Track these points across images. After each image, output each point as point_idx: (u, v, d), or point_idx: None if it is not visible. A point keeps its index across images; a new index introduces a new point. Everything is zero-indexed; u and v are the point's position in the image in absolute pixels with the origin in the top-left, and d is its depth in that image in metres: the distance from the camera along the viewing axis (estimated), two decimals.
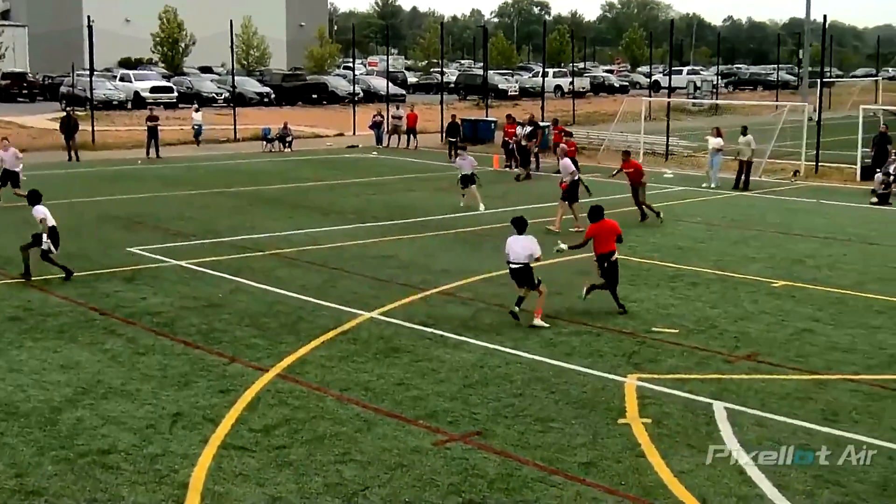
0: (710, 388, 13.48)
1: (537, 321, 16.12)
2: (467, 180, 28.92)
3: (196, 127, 48.74)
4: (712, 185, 34.77)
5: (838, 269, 21.57)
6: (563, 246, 17.80)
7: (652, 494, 10.10)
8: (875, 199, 31.92)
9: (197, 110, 50.51)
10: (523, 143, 38.26)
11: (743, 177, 34.80)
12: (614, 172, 29.48)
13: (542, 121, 45.50)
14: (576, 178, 25.75)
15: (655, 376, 13.93)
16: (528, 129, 38.79)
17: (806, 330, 16.57)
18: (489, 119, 53.02)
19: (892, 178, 32.50)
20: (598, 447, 11.28)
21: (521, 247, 16.03)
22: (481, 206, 28.57)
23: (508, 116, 41.35)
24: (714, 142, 35.17)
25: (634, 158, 27.48)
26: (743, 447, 11.34)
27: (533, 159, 39.49)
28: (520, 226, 16.28)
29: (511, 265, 16.23)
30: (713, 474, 10.59)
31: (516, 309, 16.38)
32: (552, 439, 11.48)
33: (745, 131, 35.14)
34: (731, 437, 11.65)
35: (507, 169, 39.38)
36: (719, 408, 12.61)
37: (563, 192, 25.60)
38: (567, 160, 26.22)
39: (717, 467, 10.78)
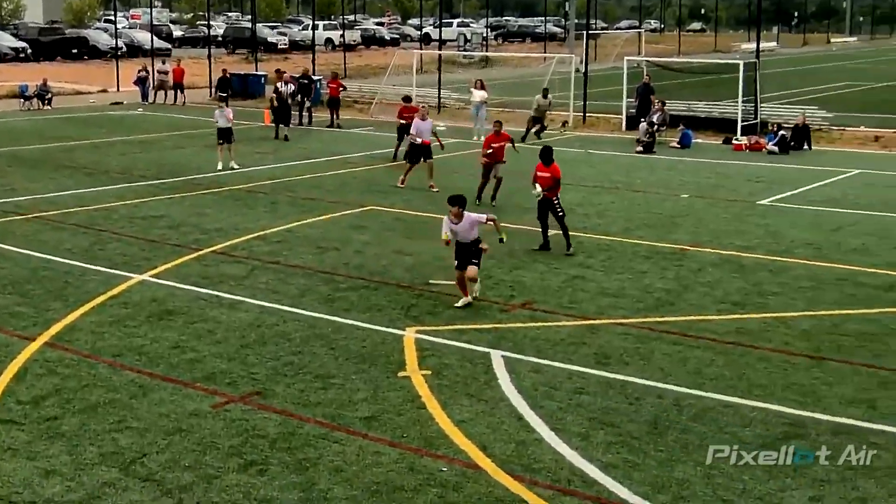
0: (487, 337, 13.80)
1: None
2: (225, 134, 28.25)
3: None
4: (479, 138, 35.36)
5: (606, 216, 22.55)
6: (539, 189, 18.62)
7: (433, 445, 10.28)
8: (640, 149, 33.47)
9: None
10: (288, 100, 37.19)
11: (534, 129, 35.08)
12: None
13: (315, 74, 45.18)
14: (416, 140, 24.88)
15: (434, 328, 14.14)
16: (292, 86, 37.88)
17: (577, 277, 17.21)
18: (259, 73, 52.30)
19: (655, 127, 34.02)
20: (378, 401, 11.38)
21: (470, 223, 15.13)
22: (219, 165, 28.41)
23: (277, 71, 40.54)
24: (477, 94, 35.81)
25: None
26: (521, 394, 11.67)
27: (306, 114, 39.19)
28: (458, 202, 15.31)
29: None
30: (492, 422, 10.86)
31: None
32: (333, 395, 11.52)
33: (545, 94, 35.91)
34: (509, 385, 11.97)
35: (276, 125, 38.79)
36: (497, 356, 12.91)
37: (416, 152, 24.99)
38: (420, 121, 25.09)
39: (495, 415, 11.07)
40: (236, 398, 11.41)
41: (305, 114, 39.39)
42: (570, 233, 18.91)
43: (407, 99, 30.51)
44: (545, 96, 35.65)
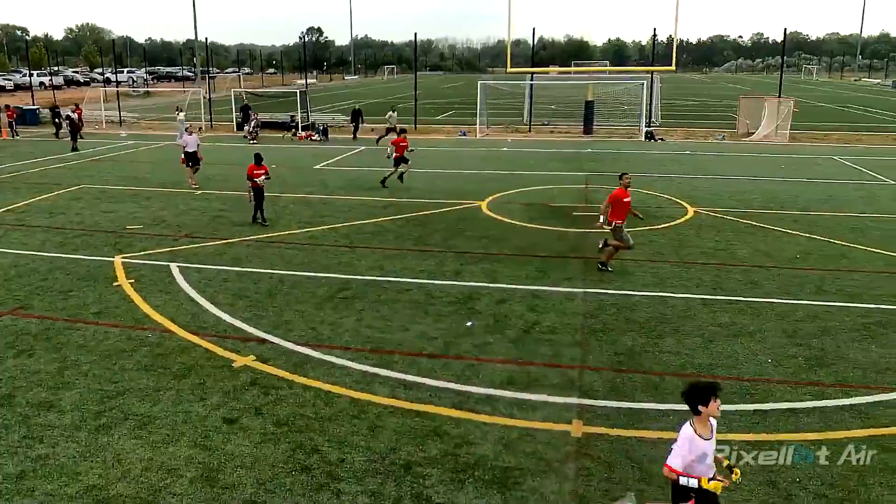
0: (166, 257, 13.79)
1: None
2: None
3: None
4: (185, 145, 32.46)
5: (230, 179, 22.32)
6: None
7: (142, 322, 10.37)
8: (253, 141, 32.72)
9: None
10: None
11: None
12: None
13: (34, 105, 39.58)
14: (188, 149, 20.49)
15: (133, 255, 13.92)
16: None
17: (217, 217, 17.23)
18: None
19: (253, 127, 33.47)
20: (103, 302, 11.26)
21: None
22: None
23: (6, 106, 34.81)
24: (181, 115, 33.59)
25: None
26: (191, 286, 11.86)
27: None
28: None
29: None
30: (176, 304, 11.10)
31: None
32: (73, 302, 11.27)
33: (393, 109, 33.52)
34: (183, 282, 12.14)
35: None
36: (174, 267, 13.05)
37: (188, 157, 20.64)
38: (188, 136, 20.72)
39: (177, 300, 11.29)
40: (5, 312, 10.85)
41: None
42: (209, 190, 18.69)
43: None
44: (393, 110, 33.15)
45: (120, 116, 42.75)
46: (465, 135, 35.37)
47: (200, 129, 26.43)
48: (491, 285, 11.93)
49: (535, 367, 8.85)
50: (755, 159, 26.85)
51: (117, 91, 48.43)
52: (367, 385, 8.39)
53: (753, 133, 33.82)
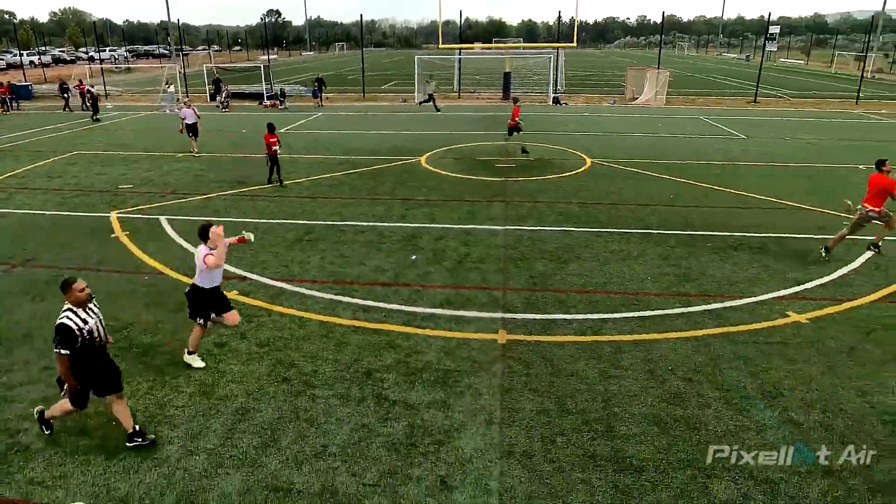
0: (156, 211, 13.29)
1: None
2: None
3: None
4: (167, 112, 30.22)
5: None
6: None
7: (139, 267, 9.96)
8: (225, 110, 31.37)
9: None
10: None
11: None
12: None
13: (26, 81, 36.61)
14: (187, 121, 18.96)
15: (126, 210, 13.30)
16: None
17: (198, 176, 16.52)
18: None
19: (224, 97, 31.92)
20: (103, 252, 10.68)
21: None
22: None
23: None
24: (171, 88, 31.33)
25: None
26: (179, 235, 11.45)
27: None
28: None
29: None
30: (167, 250, 10.71)
31: None
32: (75, 254, 10.75)
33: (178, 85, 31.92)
34: (172, 232, 11.72)
35: None
36: (163, 220, 12.60)
37: (189, 129, 18.96)
38: (186, 109, 19.00)
39: (168, 247, 10.90)
40: (17, 264, 10.32)
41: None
42: (178, 154, 17.80)
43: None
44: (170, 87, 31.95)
45: (105, 90, 40.13)
46: (405, 101, 34.67)
47: (183, 100, 24.81)
48: (430, 226, 11.96)
49: (467, 290, 9.02)
50: (639, 119, 27.29)
51: (101, 68, 45.46)
52: (332, 310, 8.41)
53: (638, 98, 34.19)
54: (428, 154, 18.93)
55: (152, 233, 11.76)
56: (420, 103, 31.61)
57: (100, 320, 5.63)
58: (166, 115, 28.61)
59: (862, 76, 38.96)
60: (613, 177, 15.97)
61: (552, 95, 34.12)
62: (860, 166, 17.13)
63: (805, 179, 15.73)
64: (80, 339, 5.36)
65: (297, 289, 9.08)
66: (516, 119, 18.17)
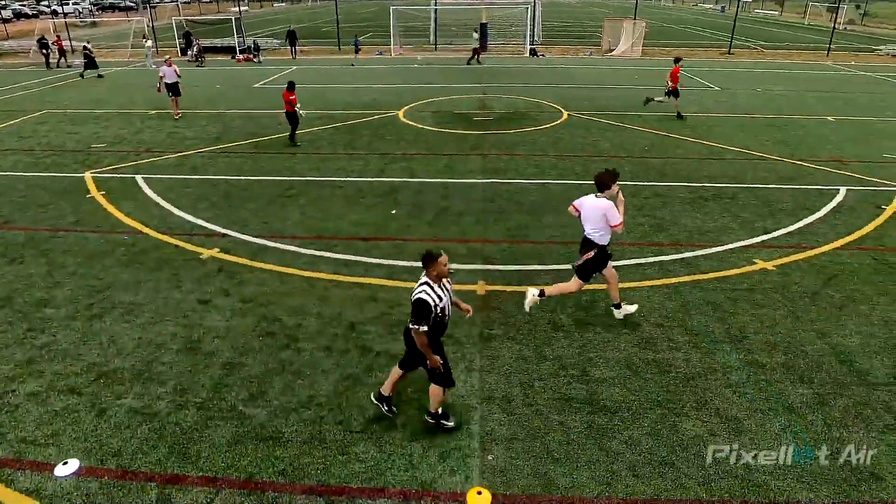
0: (131, 170, 12.98)
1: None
2: None
3: None
4: (151, 67, 28.89)
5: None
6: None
7: (116, 227, 9.89)
8: (197, 64, 30.35)
9: None
10: None
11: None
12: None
13: None
14: (167, 80, 17.61)
15: (101, 169, 13.01)
16: None
17: (172, 133, 16.13)
18: None
19: (197, 51, 30.79)
20: (80, 212, 10.58)
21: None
22: None
23: None
24: (148, 42, 29.92)
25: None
26: (156, 194, 11.21)
27: None
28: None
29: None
30: (145, 209, 10.53)
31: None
32: (51, 214, 10.45)
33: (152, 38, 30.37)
34: (149, 190, 11.52)
35: None
36: (139, 178, 12.28)
37: (169, 88, 17.65)
38: (167, 67, 17.61)
39: (145, 206, 10.70)
40: (17, 227, 10.13)
41: None
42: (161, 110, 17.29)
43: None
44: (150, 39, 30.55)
45: (71, 45, 38.41)
46: (381, 54, 33.83)
47: (164, 58, 23.35)
48: (409, 180, 11.89)
49: (447, 243, 9.06)
50: (615, 71, 27.04)
51: (65, 22, 43.40)
52: (314, 265, 8.41)
53: (614, 49, 33.80)
54: (405, 108, 18.61)
55: (128, 192, 11.53)
56: (468, 62, 28.27)
57: (450, 297, 5.18)
58: (137, 71, 27.57)
59: (834, 28, 38.90)
60: (589, 128, 15.93)
61: (529, 47, 33.57)
62: (829, 118, 17.31)
63: (776, 130, 15.87)
64: (433, 316, 4.96)
65: (278, 245, 9.03)
66: (675, 84, 16.54)
